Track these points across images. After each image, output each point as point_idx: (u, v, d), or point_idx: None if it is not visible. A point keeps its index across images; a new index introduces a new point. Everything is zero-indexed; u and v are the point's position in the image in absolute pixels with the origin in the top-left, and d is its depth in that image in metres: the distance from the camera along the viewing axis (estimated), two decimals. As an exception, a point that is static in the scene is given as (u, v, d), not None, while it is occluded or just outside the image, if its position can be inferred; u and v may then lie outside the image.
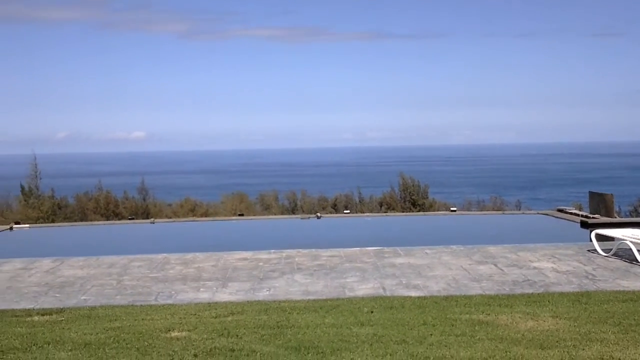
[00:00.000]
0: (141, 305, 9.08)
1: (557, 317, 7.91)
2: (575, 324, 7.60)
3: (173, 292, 9.89)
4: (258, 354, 6.62)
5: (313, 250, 13.31)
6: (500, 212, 24.71)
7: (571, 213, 19.43)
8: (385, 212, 29.36)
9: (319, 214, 22.43)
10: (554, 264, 11.49)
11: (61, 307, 9.02)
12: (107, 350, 6.82)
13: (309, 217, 22.00)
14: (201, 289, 10.09)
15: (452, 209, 23.63)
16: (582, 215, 18.05)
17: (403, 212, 29.86)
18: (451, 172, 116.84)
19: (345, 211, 29.03)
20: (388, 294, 9.49)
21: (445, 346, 6.82)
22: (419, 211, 30.23)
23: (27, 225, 21.29)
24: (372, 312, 8.29)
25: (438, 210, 27.82)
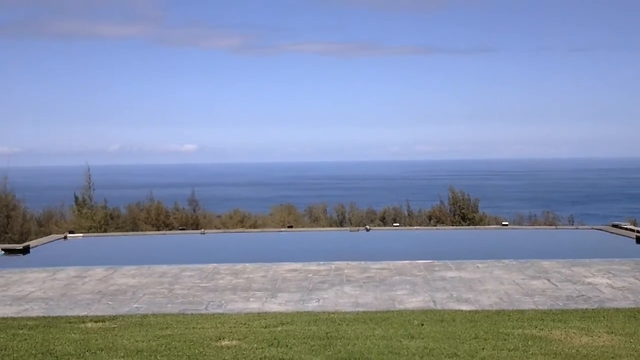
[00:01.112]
0: (192, 314, 9.16)
1: (612, 333, 7.73)
2: (632, 340, 7.41)
3: (223, 302, 9.96)
4: (308, 364, 6.61)
5: (362, 262, 13.26)
6: (552, 227, 24.30)
7: (626, 229, 19.00)
8: (434, 226, 29.14)
9: (368, 227, 22.37)
10: (609, 279, 11.24)
11: (114, 314, 9.15)
12: (158, 358, 6.89)
13: (357, 230, 21.94)
14: (251, 299, 10.13)
15: (503, 223, 23.31)
16: (637, 231, 17.64)
17: (452, 225, 29.59)
18: (502, 187, 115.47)
19: (394, 224, 28.90)
20: (439, 307, 9.40)
21: (498, 361, 6.72)
22: (468, 225, 29.94)
23: (81, 235, 21.69)
24: (422, 325, 8.21)
25: (488, 225, 27.48)
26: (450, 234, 22.51)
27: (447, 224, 30.17)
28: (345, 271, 12.40)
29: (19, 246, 18.02)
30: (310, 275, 12.07)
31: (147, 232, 27.48)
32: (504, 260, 13.18)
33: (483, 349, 7.14)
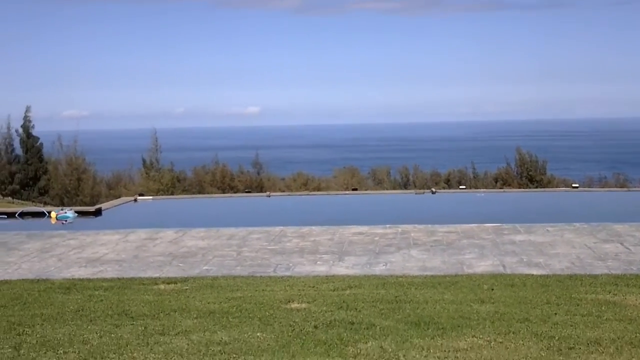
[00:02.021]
0: (261, 276, 9.27)
1: (691, 299, 7.50)
2: None
3: (291, 265, 10.04)
4: (377, 327, 6.62)
5: (429, 225, 13.17)
6: (624, 189, 23.67)
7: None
8: (500, 188, 28.73)
9: (433, 189, 22.20)
10: (686, 244, 10.89)
11: (185, 276, 9.33)
12: (230, 319, 7.00)
13: (423, 192, 21.80)
14: (318, 262, 10.19)
15: (573, 185, 22.80)
16: None
17: (519, 188, 29.12)
18: (571, 147, 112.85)
19: (460, 186, 28.60)
20: (508, 271, 9.28)
21: (571, 326, 6.60)
22: (536, 187, 29.40)
23: (150, 197, 22.13)
24: (492, 289, 8.12)
25: (557, 187, 26.94)
26: (517, 197, 22.17)
27: (513, 187, 29.71)
28: (412, 234, 12.34)
29: (91, 208, 18.54)
30: (376, 238, 12.06)
31: (214, 195, 27.92)
32: (574, 224, 12.91)
33: (555, 314, 7.03)
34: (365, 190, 30.20)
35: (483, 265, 9.66)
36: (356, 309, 7.30)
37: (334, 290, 8.26)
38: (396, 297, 7.81)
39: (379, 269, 9.60)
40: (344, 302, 7.63)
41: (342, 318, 6.96)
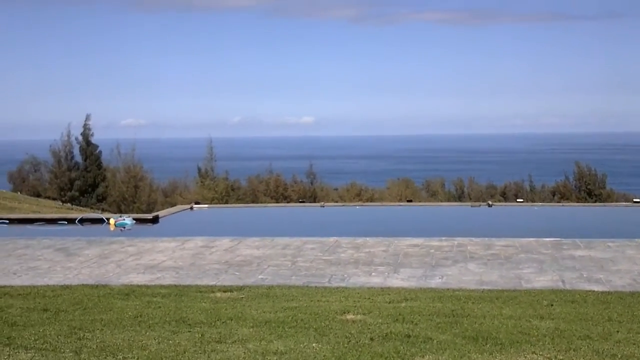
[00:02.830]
0: (316, 286, 9.26)
1: None
2: None
3: (346, 276, 10.01)
4: (434, 341, 6.54)
5: (486, 239, 13.00)
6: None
7: None
8: (558, 202, 28.23)
9: (490, 202, 21.92)
10: None
11: (241, 284, 9.38)
12: (286, 329, 7.01)
13: (479, 205, 21.54)
14: (373, 274, 10.14)
15: (635, 200, 22.24)
16: None
17: (578, 202, 28.58)
18: (631, 161, 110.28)
19: (518, 200, 28.20)
20: (568, 287, 9.08)
21: (634, 344, 6.43)
22: (595, 202, 28.81)
23: (206, 205, 22.38)
24: (552, 305, 7.96)
25: (617, 202, 26.33)
26: (576, 211, 21.74)
27: (572, 200, 29.18)
28: (468, 247, 12.20)
29: (149, 216, 18.82)
30: (432, 250, 11.95)
31: (268, 204, 28.07)
32: (636, 240, 12.59)
33: (617, 331, 6.85)
34: (419, 201, 30.02)
35: (542, 281, 9.49)
36: (412, 322, 7.23)
37: (389, 303, 8.21)
38: (453, 310, 7.72)
39: (435, 282, 9.51)
40: (400, 314, 7.57)
41: (399, 331, 6.90)
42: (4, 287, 9.31)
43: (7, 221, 18.06)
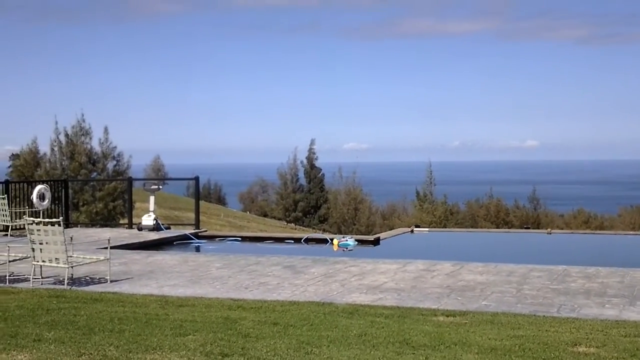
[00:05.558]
0: (544, 316, 8.84)
1: None
2: None
3: (576, 306, 9.47)
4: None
5: None
6: None
7: None
8: None
9: None
10: None
11: (464, 310, 9.20)
12: (513, 358, 6.74)
13: None
14: (606, 305, 9.50)
15: None
16: None
17: None
18: None
19: None
20: None
21: None
22: None
23: (427, 229, 22.33)
24: None
25: None
26: None
27: None
28: None
29: (371, 237, 19.11)
30: (673, 283, 10.97)
31: (489, 229, 27.45)
32: None
33: None
34: (656, 230, 27.85)
35: None
36: (655, 360, 6.66)
37: (625, 337, 7.63)
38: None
39: (678, 318, 8.70)
40: (637, 349, 7.01)
41: (638, 368, 6.39)
42: (238, 300, 9.87)
43: (240, 239, 19.22)
